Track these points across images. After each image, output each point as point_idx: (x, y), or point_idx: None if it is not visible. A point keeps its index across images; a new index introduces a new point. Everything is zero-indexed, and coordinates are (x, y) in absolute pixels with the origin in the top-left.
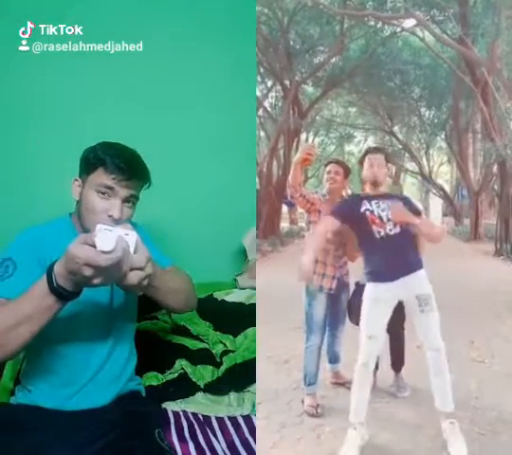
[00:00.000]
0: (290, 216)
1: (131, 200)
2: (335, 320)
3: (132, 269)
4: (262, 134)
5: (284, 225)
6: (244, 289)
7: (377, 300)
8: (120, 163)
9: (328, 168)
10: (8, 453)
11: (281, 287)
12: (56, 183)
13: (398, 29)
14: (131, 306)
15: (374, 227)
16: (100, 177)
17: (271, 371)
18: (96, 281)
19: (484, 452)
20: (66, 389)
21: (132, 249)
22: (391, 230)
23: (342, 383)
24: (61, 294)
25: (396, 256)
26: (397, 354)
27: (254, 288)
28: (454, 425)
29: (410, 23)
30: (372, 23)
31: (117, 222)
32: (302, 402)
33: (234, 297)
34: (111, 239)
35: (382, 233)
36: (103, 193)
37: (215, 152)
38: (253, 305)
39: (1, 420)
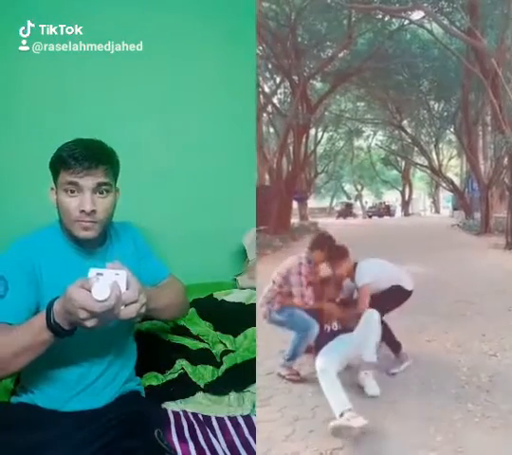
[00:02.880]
0: (300, 212)
1: (102, 189)
2: None
3: (126, 305)
4: (271, 130)
5: (294, 220)
6: (244, 289)
7: None
8: (75, 154)
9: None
10: (7, 452)
11: None
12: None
13: (406, 22)
14: None
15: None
16: (63, 176)
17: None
18: (90, 323)
19: (496, 446)
20: (65, 393)
21: (123, 287)
22: (335, 327)
23: None
24: (56, 331)
25: None
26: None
27: (254, 288)
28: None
29: (417, 15)
30: (379, 16)
31: (93, 216)
32: (281, 376)
33: (234, 297)
34: (105, 288)
35: (329, 329)
36: (72, 192)
37: (215, 151)
38: (253, 305)
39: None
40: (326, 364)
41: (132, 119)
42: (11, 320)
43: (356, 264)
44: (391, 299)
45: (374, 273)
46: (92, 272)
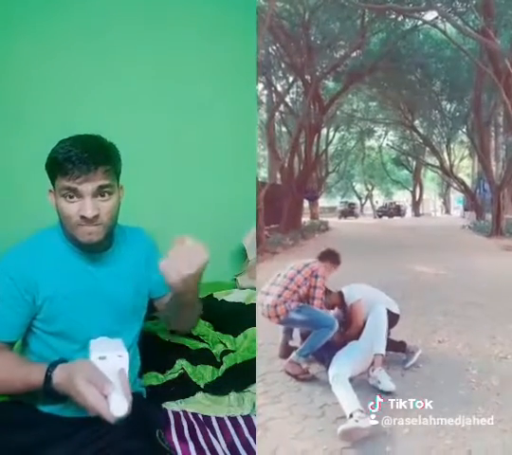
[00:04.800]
0: (311, 211)
1: (103, 192)
2: None
3: None
4: (283, 129)
5: (305, 219)
6: (244, 289)
7: None
8: (72, 157)
9: (333, 266)
10: (6, 451)
11: None
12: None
13: (419, 22)
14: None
15: None
16: (61, 181)
17: None
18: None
19: (506, 449)
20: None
21: (127, 370)
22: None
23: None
24: (49, 394)
25: None
26: None
27: (254, 288)
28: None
29: (431, 15)
30: (392, 16)
31: (96, 220)
32: (292, 375)
33: (234, 297)
34: (124, 404)
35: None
36: (71, 197)
37: (216, 151)
38: (253, 305)
39: None
40: (339, 369)
41: (132, 119)
42: (5, 338)
43: (340, 293)
44: None
45: (361, 291)
46: (94, 356)
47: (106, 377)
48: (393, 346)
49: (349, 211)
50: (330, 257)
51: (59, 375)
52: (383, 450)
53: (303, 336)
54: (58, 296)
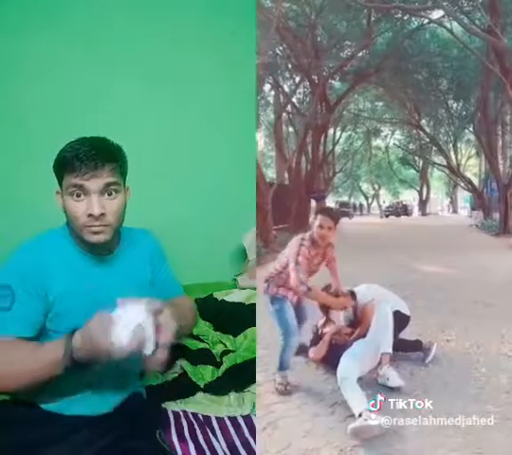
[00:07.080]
0: None
1: (110, 190)
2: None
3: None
4: (290, 129)
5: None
6: (244, 289)
7: None
8: (79, 154)
9: (319, 221)
10: (7, 450)
11: None
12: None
13: (425, 21)
14: None
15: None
16: (68, 179)
17: (302, 363)
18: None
19: None
20: (67, 398)
21: (151, 330)
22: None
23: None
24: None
25: None
26: None
27: (254, 288)
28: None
29: (437, 14)
30: (399, 15)
31: (102, 219)
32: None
33: (234, 297)
34: (127, 332)
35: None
36: (78, 195)
37: (216, 151)
38: (253, 305)
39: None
40: (347, 372)
41: (131, 119)
42: (21, 333)
43: (352, 293)
44: (394, 325)
45: (374, 291)
46: (102, 316)
47: (111, 314)
48: (410, 346)
49: (341, 212)
50: (326, 211)
51: (78, 338)
52: (393, 448)
53: (313, 336)
54: (64, 295)
